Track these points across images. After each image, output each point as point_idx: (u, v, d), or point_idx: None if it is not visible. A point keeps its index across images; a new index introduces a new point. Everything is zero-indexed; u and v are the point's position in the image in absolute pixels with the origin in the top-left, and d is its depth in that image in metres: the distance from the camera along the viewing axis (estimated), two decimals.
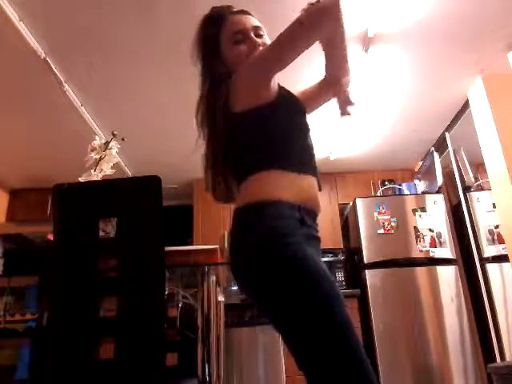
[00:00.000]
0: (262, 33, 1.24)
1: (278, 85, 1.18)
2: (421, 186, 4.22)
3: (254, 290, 1.01)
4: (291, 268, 0.94)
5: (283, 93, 1.18)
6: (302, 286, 0.93)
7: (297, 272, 0.94)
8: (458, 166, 3.63)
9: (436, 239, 3.56)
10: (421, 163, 4.27)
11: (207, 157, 1.23)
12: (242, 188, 1.11)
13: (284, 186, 1.05)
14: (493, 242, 3.36)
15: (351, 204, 3.88)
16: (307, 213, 1.06)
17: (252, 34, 1.22)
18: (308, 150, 1.16)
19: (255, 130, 1.12)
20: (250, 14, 1.27)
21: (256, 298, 1.02)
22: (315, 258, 0.99)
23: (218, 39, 1.25)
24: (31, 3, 2.21)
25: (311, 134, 1.21)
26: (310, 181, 1.11)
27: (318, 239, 1.12)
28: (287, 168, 1.07)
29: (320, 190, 1.15)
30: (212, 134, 1.22)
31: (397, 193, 4.14)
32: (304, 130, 1.20)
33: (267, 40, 1.23)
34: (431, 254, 3.51)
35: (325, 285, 0.94)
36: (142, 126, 3.47)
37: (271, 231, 0.98)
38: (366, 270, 3.48)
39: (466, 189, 3.58)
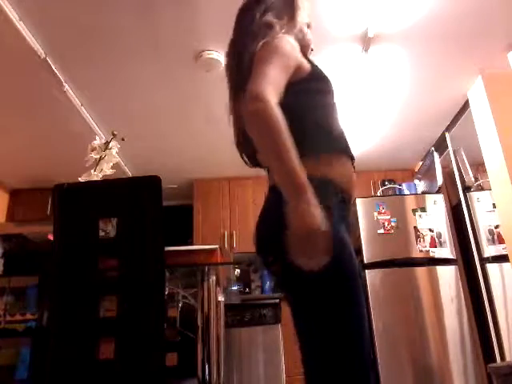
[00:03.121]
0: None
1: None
2: (421, 186, 4.22)
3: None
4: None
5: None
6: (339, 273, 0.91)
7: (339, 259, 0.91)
8: (458, 166, 3.63)
9: (436, 239, 3.56)
10: (421, 163, 4.27)
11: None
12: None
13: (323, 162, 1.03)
14: (493, 241, 3.36)
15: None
16: (342, 191, 1.03)
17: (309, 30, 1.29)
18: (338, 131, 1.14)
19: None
20: None
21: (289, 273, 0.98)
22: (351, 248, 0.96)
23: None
24: (31, 3, 2.21)
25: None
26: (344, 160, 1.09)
27: (348, 223, 1.06)
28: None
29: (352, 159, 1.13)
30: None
31: (397, 193, 4.14)
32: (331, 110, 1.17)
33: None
34: (431, 254, 3.51)
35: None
36: (141, 126, 3.47)
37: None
38: (366, 270, 3.48)
39: (466, 189, 3.58)
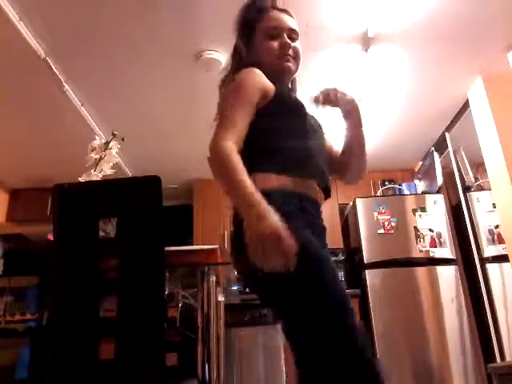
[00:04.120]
0: (295, 37, 1.26)
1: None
2: (421, 186, 4.22)
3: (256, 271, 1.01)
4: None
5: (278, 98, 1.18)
6: (304, 269, 0.94)
7: (302, 256, 0.94)
8: (458, 166, 3.63)
9: (436, 239, 3.56)
10: (421, 163, 4.27)
11: None
12: None
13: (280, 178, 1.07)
14: (493, 241, 3.36)
15: (351, 204, 3.88)
16: (307, 200, 1.07)
17: (285, 35, 1.24)
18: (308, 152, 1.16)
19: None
20: (291, 16, 1.29)
21: (256, 279, 1.02)
22: (317, 244, 1.00)
23: (255, 25, 1.26)
24: (31, 3, 2.21)
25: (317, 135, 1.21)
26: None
27: (322, 228, 1.11)
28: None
29: (327, 190, 1.15)
30: None
31: (397, 193, 4.14)
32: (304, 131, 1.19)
33: (299, 45, 1.26)
34: (431, 254, 3.51)
35: (326, 271, 0.97)
36: (142, 126, 3.47)
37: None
38: (366, 270, 3.48)
39: (466, 189, 3.58)
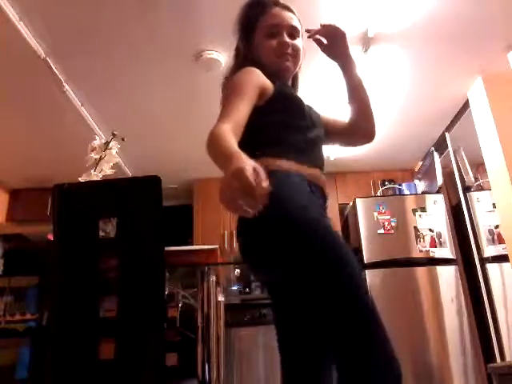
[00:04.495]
0: (296, 34, 1.25)
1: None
2: (421, 186, 4.22)
3: (267, 249, 1.00)
4: (310, 230, 0.95)
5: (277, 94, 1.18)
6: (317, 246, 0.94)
7: (316, 234, 0.95)
8: (458, 166, 3.63)
9: (436, 239, 3.56)
10: (421, 163, 4.27)
11: None
12: None
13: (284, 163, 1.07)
14: (493, 241, 3.36)
15: (351, 204, 3.88)
16: (315, 187, 1.08)
17: (285, 33, 1.23)
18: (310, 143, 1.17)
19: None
20: (293, 12, 1.28)
21: (267, 257, 1.01)
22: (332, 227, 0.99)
23: (255, 24, 1.26)
24: (31, 3, 2.21)
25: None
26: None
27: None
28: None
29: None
30: None
31: (397, 193, 4.14)
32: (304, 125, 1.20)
33: (300, 43, 1.26)
34: (431, 254, 3.51)
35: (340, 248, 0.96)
36: (142, 126, 3.47)
37: (289, 194, 0.99)
38: (366, 270, 3.48)
39: (466, 189, 3.58)
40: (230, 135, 0.94)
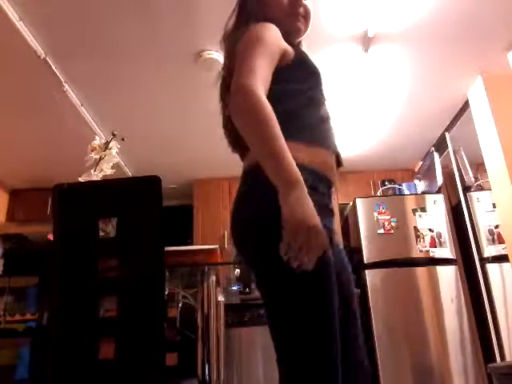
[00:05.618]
0: None
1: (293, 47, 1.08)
2: (421, 185, 4.22)
3: (251, 247, 0.94)
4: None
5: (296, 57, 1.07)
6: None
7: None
8: (458, 166, 3.63)
9: (436, 239, 3.56)
10: (421, 163, 4.27)
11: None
12: (245, 158, 1.05)
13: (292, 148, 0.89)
14: (493, 241, 3.36)
15: (351, 204, 3.88)
16: (320, 179, 0.96)
17: None
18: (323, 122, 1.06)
19: None
20: None
21: (250, 256, 0.96)
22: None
23: None
24: (31, 3, 2.21)
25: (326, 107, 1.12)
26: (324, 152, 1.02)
27: (331, 211, 0.99)
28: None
29: (340, 164, 1.07)
30: (220, 95, 1.17)
31: (397, 193, 4.13)
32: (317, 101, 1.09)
33: (310, 4, 1.16)
34: (431, 254, 3.51)
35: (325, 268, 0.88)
36: (142, 126, 3.47)
37: (271, 196, 0.84)
38: (366, 270, 3.48)
39: (466, 189, 3.58)
40: (274, 117, 0.84)
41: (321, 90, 1.11)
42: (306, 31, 1.18)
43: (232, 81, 0.91)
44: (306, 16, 1.16)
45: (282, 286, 0.87)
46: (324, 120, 1.06)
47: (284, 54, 1.02)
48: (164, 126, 3.50)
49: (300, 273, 0.79)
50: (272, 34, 1.01)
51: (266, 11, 1.12)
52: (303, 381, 0.84)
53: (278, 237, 0.80)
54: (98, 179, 1.85)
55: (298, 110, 1.01)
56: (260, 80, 0.90)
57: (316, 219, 0.78)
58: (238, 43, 1.01)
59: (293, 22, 1.14)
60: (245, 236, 0.95)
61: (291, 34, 1.13)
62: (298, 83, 1.04)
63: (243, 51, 0.97)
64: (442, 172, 3.83)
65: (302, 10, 1.14)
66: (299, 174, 0.82)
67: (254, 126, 0.85)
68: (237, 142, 1.07)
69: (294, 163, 0.82)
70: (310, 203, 0.80)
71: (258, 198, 0.92)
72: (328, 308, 0.86)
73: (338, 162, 1.08)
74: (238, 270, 3.75)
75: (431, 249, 3.53)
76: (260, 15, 1.10)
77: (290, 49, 1.05)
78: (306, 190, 0.81)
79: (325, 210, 0.93)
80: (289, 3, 1.13)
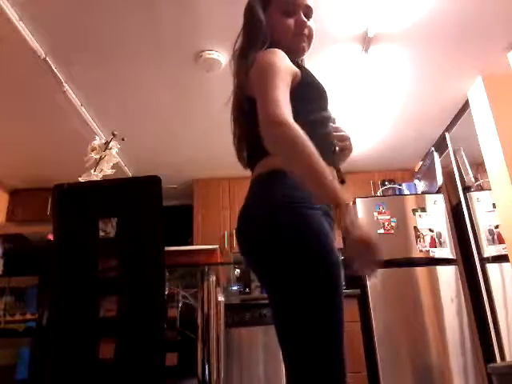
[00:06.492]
0: (310, 15, 1.22)
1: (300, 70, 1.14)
2: (421, 186, 4.22)
3: (261, 253, 1.00)
4: (305, 237, 0.96)
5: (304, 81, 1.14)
6: (310, 255, 0.96)
7: (310, 242, 0.96)
8: (458, 166, 3.63)
9: (436, 239, 3.56)
10: (421, 163, 4.27)
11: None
12: (256, 167, 1.12)
13: None
14: (493, 241, 3.36)
15: (351, 204, 3.88)
16: None
17: (301, 12, 1.20)
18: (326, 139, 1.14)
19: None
20: None
21: (259, 263, 1.02)
22: (329, 234, 1.00)
23: (269, 0, 1.21)
24: (31, 3, 2.21)
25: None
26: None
27: (331, 217, 1.07)
28: None
29: (343, 182, 1.14)
30: (233, 108, 1.21)
31: (397, 193, 4.14)
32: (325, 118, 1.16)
33: (313, 24, 1.22)
34: (431, 254, 3.51)
35: (329, 257, 0.98)
36: (142, 126, 3.47)
37: (288, 199, 0.98)
38: None
39: (466, 189, 3.58)
40: (311, 144, 0.93)
41: (327, 108, 1.17)
42: (308, 50, 1.25)
43: (259, 111, 0.99)
44: (310, 37, 1.23)
45: (303, 287, 0.95)
46: (329, 136, 1.15)
47: (294, 78, 1.09)
48: (164, 125, 3.50)
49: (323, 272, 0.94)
50: (282, 59, 1.08)
51: (273, 35, 1.18)
52: (314, 376, 0.90)
53: (305, 242, 0.95)
54: (98, 179, 1.85)
55: (309, 128, 1.04)
56: (287, 107, 0.97)
57: (374, 237, 0.95)
58: (250, 71, 1.09)
59: (298, 43, 1.20)
60: (266, 239, 1.00)
61: (295, 53, 1.20)
62: (307, 102, 1.11)
63: (260, 80, 1.05)
64: (442, 172, 3.83)
65: (306, 31, 1.21)
66: (343, 191, 0.94)
67: (299, 158, 0.94)
68: (248, 162, 1.19)
69: (336, 183, 0.94)
70: (361, 221, 0.89)
71: (280, 206, 1.00)
72: (341, 306, 0.96)
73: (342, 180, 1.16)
74: (238, 270, 3.75)
75: (431, 249, 3.53)
76: (267, 39, 1.16)
77: (298, 71, 1.11)
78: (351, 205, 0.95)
79: (327, 215, 1.04)
80: (296, 25, 1.19)
